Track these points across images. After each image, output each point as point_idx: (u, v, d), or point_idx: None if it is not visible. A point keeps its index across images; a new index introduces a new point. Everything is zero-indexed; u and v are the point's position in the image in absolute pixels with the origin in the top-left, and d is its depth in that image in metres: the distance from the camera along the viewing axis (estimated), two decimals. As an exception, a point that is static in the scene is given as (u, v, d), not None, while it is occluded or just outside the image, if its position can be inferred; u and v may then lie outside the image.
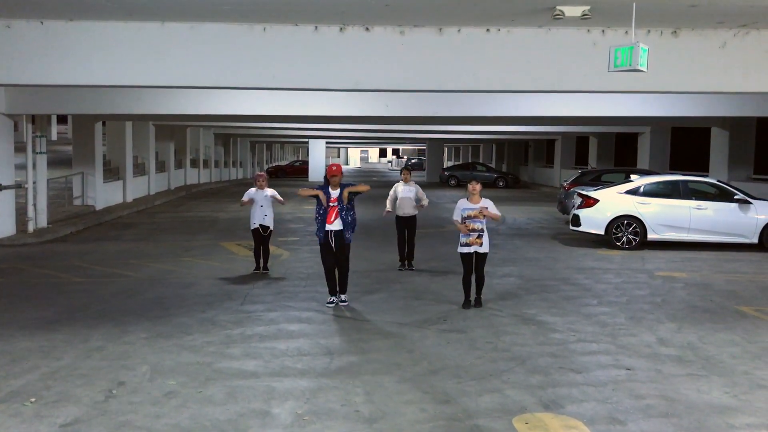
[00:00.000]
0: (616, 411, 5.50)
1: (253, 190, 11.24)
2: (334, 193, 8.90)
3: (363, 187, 9.10)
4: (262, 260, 11.24)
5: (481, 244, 8.79)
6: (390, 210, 11.80)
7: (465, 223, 8.77)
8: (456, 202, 9.09)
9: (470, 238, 8.78)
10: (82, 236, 16.09)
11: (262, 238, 11.18)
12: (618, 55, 7.55)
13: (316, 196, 8.92)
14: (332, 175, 8.89)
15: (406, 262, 11.67)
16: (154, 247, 14.29)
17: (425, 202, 11.83)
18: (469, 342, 7.42)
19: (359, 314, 8.62)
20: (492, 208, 8.82)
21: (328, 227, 8.86)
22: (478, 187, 8.79)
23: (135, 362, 6.59)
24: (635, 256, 13.52)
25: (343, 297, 9.07)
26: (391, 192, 11.80)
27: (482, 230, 8.79)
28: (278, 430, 5.06)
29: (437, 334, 7.71)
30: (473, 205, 8.79)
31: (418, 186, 11.88)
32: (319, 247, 9.15)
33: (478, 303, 8.97)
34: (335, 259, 8.96)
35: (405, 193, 11.65)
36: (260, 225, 11.12)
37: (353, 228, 9.01)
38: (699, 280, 11.12)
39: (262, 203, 11.13)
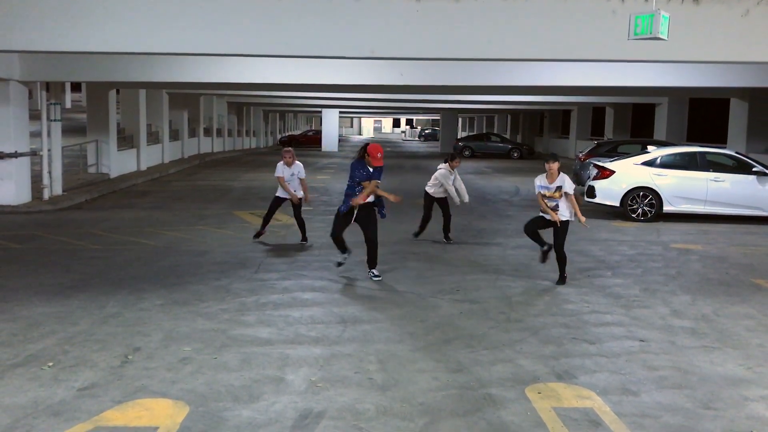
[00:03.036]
0: (629, 382, 5.50)
1: (281, 165, 11.14)
2: (372, 172, 8.51)
3: (392, 197, 8.72)
4: (300, 231, 11.20)
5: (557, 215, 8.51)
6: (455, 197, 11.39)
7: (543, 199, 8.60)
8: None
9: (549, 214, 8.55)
10: (97, 204, 16.20)
11: (277, 207, 11.22)
12: (638, 22, 7.40)
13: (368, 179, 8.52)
14: (377, 165, 8.44)
15: (444, 236, 11.49)
16: (168, 215, 14.36)
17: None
18: (482, 312, 7.43)
19: (373, 283, 8.64)
20: (569, 187, 8.48)
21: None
22: (555, 166, 8.43)
23: (150, 328, 6.65)
24: (650, 228, 13.43)
25: (375, 272, 8.86)
26: (449, 184, 11.25)
27: (557, 205, 8.52)
28: (292, 396, 5.11)
29: (450, 304, 7.73)
30: (549, 185, 8.53)
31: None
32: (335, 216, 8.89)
33: (562, 280, 8.67)
34: (360, 229, 8.75)
35: (457, 182, 11.36)
36: (289, 199, 11.10)
37: (383, 204, 8.73)
38: (714, 252, 11.04)
39: (289, 181, 11.08)
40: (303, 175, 11.21)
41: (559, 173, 8.52)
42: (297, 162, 11.17)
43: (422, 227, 11.64)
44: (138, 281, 8.54)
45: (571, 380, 5.51)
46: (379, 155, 8.45)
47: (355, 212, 8.64)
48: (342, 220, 8.74)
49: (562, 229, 8.59)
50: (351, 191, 8.58)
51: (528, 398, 5.13)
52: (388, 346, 6.26)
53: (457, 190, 11.47)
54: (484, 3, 9.34)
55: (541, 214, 8.77)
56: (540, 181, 8.68)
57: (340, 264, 9.01)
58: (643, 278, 9.17)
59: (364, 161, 8.52)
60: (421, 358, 5.96)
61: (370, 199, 8.62)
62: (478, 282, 8.77)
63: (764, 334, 6.83)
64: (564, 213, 8.56)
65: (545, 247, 8.91)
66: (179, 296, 7.85)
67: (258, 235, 11.28)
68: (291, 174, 11.08)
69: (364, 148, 8.56)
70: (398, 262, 9.89)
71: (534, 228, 8.90)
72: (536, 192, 8.76)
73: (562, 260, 8.71)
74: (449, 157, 11.56)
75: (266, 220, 11.30)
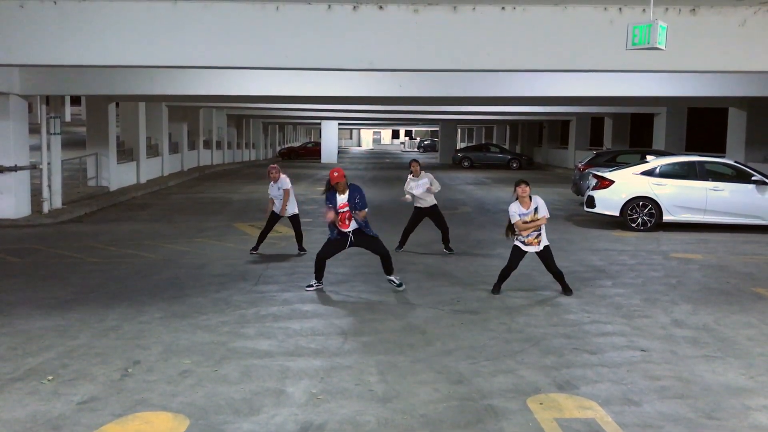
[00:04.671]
0: (631, 392, 5.48)
1: (271, 185, 11.25)
2: (342, 198, 8.44)
3: (362, 213, 8.54)
4: (296, 242, 11.37)
5: (539, 243, 8.43)
6: (408, 198, 11.41)
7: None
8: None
9: (530, 238, 8.41)
10: (97, 217, 16.19)
11: (275, 222, 11.31)
12: (636, 33, 7.42)
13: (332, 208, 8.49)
14: (336, 182, 8.36)
15: (445, 246, 11.51)
16: (168, 228, 14.35)
17: (435, 189, 11.25)
18: (483, 323, 7.41)
19: (372, 295, 8.62)
20: (543, 208, 8.36)
21: (345, 231, 8.55)
22: (528, 189, 8.32)
23: (150, 341, 6.63)
24: (650, 237, 13.43)
25: (396, 279, 8.84)
26: (406, 186, 11.36)
27: (539, 231, 8.42)
28: (293, 408, 5.08)
29: (450, 315, 7.71)
30: (527, 210, 8.32)
31: (430, 175, 11.32)
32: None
33: (568, 291, 8.61)
34: (367, 249, 8.75)
35: (418, 189, 11.17)
36: (285, 216, 11.25)
37: (367, 223, 8.68)
38: (715, 261, 11.03)
39: (280, 197, 11.17)
40: (287, 185, 11.18)
41: (530, 197, 8.36)
42: (282, 176, 11.20)
43: (403, 238, 11.59)
44: (137, 294, 8.52)
45: (573, 391, 5.49)
46: (335, 174, 8.38)
47: (350, 239, 8.59)
48: (333, 245, 8.71)
49: (548, 254, 8.54)
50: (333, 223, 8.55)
51: (530, 409, 5.11)
52: (388, 358, 6.24)
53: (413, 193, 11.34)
54: (483, 14, 9.38)
55: (516, 243, 8.52)
56: (517, 208, 8.38)
57: (309, 286, 8.82)
58: (644, 288, 9.15)
59: (333, 191, 8.48)
60: (422, 370, 5.94)
61: (356, 226, 8.54)
62: (479, 293, 8.76)
63: (766, 343, 6.81)
64: (545, 239, 8.48)
65: (501, 285, 8.76)
66: (179, 309, 7.83)
67: (254, 249, 11.29)
68: (278, 189, 11.16)
69: (328, 181, 8.51)
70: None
71: (515, 266, 8.65)
72: (514, 221, 8.40)
73: (561, 276, 8.69)
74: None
75: (263, 234, 11.33)
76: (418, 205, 11.41)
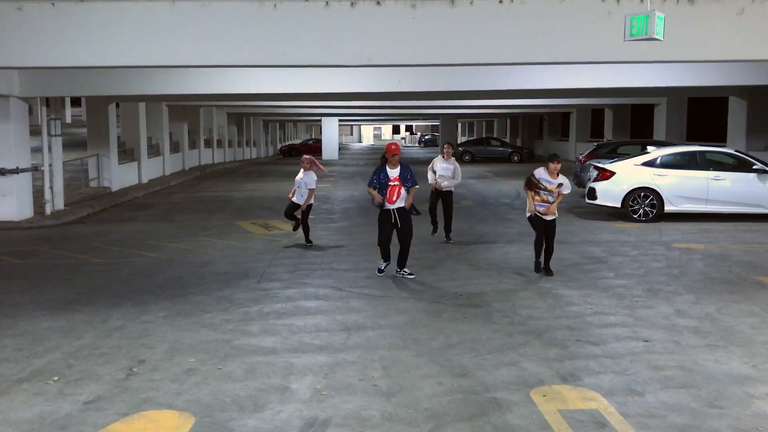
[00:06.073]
0: (634, 382, 5.49)
1: (301, 174, 11.54)
2: (393, 172, 8.97)
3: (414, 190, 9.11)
4: (304, 234, 11.66)
5: (548, 213, 9.16)
6: (435, 183, 11.74)
7: (538, 192, 9.11)
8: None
9: (543, 208, 9.12)
10: (99, 217, 16.22)
11: (296, 207, 11.63)
12: (634, 23, 7.43)
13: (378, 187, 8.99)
14: (393, 155, 8.96)
15: (446, 235, 11.90)
16: (170, 228, 14.38)
17: (455, 180, 11.91)
18: (486, 316, 7.43)
19: (375, 290, 8.64)
20: (567, 186, 9.19)
21: (389, 206, 8.96)
22: (559, 166, 9.07)
23: (154, 340, 6.66)
24: (652, 228, 13.43)
25: (407, 270, 9.18)
26: (430, 167, 11.87)
27: (551, 202, 9.16)
28: (297, 405, 5.11)
29: (453, 309, 7.73)
30: (552, 180, 9.09)
31: (458, 165, 11.96)
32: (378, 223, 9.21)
33: (548, 272, 9.23)
34: (396, 233, 9.07)
35: (443, 171, 11.72)
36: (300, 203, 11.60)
37: (413, 205, 9.17)
38: (717, 251, 11.03)
39: (307, 185, 11.54)
40: (317, 168, 11.83)
41: (558, 173, 9.13)
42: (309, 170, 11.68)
43: (434, 223, 12.00)
44: (141, 294, 8.55)
45: (576, 382, 5.51)
46: (393, 147, 9.07)
47: (396, 217, 8.96)
48: (384, 226, 9.07)
49: (553, 226, 9.24)
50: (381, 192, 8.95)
51: (533, 401, 5.13)
52: (392, 353, 6.26)
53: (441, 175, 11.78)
54: (480, 8, 9.37)
55: (532, 214, 9.16)
56: (543, 174, 9.13)
57: (381, 271, 9.27)
58: (646, 278, 9.16)
59: (383, 166, 9.01)
60: (426, 364, 5.96)
61: (402, 204, 8.97)
62: (481, 286, 8.78)
63: (768, 332, 6.83)
64: (556, 212, 9.25)
65: (541, 263, 9.40)
66: (183, 308, 7.86)
67: (296, 227, 11.76)
68: (308, 177, 11.54)
69: (383, 155, 9.09)
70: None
71: (540, 239, 9.29)
72: (534, 180, 9.09)
73: (551, 253, 9.30)
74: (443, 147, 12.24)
75: (291, 216, 11.72)
76: (436, 187, 11.78)
